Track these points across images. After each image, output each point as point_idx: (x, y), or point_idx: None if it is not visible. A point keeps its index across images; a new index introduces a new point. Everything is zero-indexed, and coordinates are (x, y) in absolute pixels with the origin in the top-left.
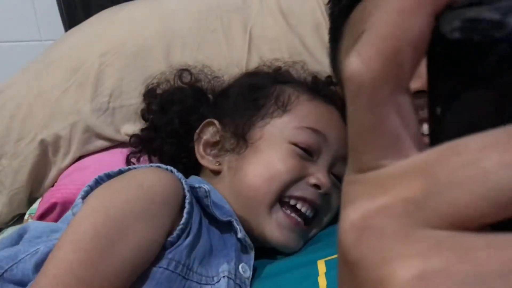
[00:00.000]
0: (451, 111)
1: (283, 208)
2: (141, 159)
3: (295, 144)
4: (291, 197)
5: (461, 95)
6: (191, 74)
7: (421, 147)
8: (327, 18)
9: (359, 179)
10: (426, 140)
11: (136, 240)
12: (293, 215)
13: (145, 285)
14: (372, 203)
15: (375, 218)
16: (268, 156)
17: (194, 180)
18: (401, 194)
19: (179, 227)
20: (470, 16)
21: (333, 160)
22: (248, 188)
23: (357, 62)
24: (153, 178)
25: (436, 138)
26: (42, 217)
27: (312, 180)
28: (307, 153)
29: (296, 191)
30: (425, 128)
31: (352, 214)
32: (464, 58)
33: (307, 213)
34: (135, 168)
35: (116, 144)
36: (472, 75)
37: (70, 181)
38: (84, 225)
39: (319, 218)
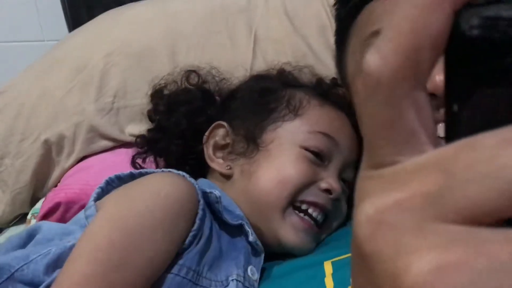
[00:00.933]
0: (468, 108)
1: (296, 212)
2: (147, 160)
3: (306, 149)
4: (303, 201)
5: (478, 92)
6: (198, 75)
7: (436, 144)
8: (332, 20)
9: (375, 175)
10: (441, 142)
11: (152, 251)
12: (306, 217)
13: None
14: (388, 197)
15: (391, 212)
16: (280, 160)
17: (204, 183)
18: (417, 188)
19: (192, 233)
20: (489, 14)
21: (343, 165)
22: (260, 192)
23: (376, 58)
24: (170, 186)
25: (453, 134)
26: (45, 217)
27: (324, 185)
28: (318, 157)
29: (308, 196)
30: (439, 129)
31: (368, 208)
32: (482, 55)
33: (318, 218)
34: (146, 172)
35: (120, 144)
36: (490, 72)
37: (74, 181)
38: (99, 236)
39: (329, 223)
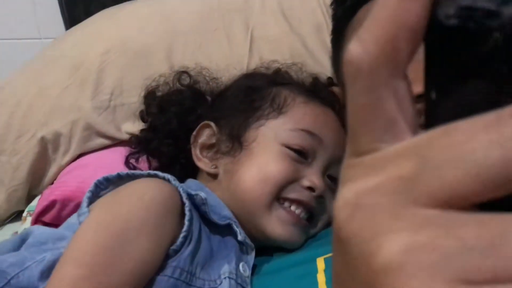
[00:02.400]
0: (445, 96)
1: (282, 206)
2: (140, 159)
3: (288, 146)
4: (286, 199)
5: (456, 81)
6: (189, 76)
7: (416, 132)
8: (328, 19)
9: (356, 162)
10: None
11: (139, 253)
12: (292, 210)
13: None
14: (366, 182)
15: (368, 196)
16: (261, 159)
17: (192, 184)
18: (393, 173)
19: (182, 234)
20: (466, 4)
21: (329, 162)
22: (243, 191)
23: (357, 46)
24: (153, 191)
25: (431, 122)
26: (41, 214)
27: (306, 183)
28: (301, 155)
29: (291, 193)
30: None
31: (346, 192)
32: (459, 45)
33: (301, 215)
34: (134, 174)
35: (117, 142)
36: (467, 62)
37: (70, 178)
38: (86, 241)
39: (315, 220)
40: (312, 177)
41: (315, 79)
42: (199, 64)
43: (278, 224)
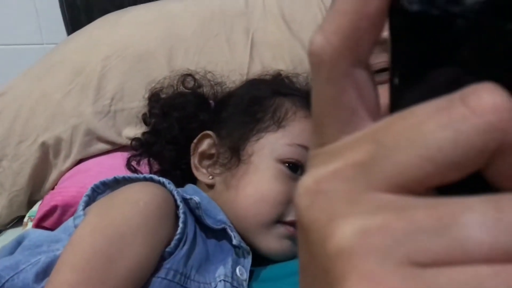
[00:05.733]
0: (408, 81)
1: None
2: (141, 162)
3: (283, 162)
4: (284, 223)
5: (418, 66)
6: (194, 79)
7: (378, 120)
8: None
9: (320, 152)
10: None
11: (135, 257)
12: (292, 228)
13: None
14: (325, 168)
15: (326, 182)
16: (257, 177)
17: (190, 189)
18: (350, 159)
19: (176, 237)
20: None
21: None
22: (237, 208)
23: (320, 38)
24: (148, 195)
25: (394, 108)
26: (42, 220)
27: None
28: (296, 171)
29: (288, 216)
30: None
31: (306, 180)
32: (422, 30)
33: None
34: (130, 177)
35: (117, 147)
36: (429, 47)
37: (71, 183)
38: (82, 245)
39: None
40: None
41: None
42: (202, 67)
43: (275, 240)
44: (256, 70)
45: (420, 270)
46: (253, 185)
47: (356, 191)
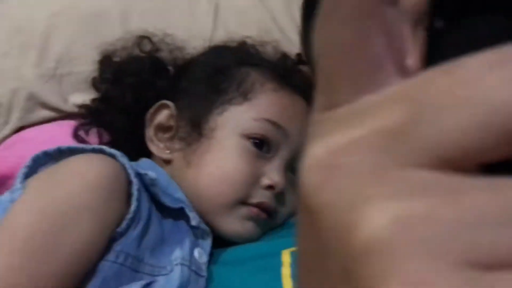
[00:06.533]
0: (455, 25)
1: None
2: (90, 132)
3: (248, 137)
4: (248, 204)
5: (470, 8)
6: (151, 42)
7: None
8: None
9: (330, 116)
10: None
11: (79, 239)
12: (256, 209)
13: (91, 282)
14: (343, 136)
15: (345, 153)
16: (220, 154)
17: (145, 164)
18: (378, 124)
19: (129, 216)
20: None
21: (292, 156)
22: (199, 186)
23: None
24: (95, 168)
25: (432, 59)
26: None
27: (265, 182)
28: (263, 148)
29: (252, 198)
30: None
31: (317, 150)
32: None
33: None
34: (76, 148)
35: (64, 115)
36: None
37: (10, 153)
38: (18, 224)
39: (273, 215)
40: (271, 174)
41: (287, 59)
42: (161, 30)
43: (236, 221)
44: (220, 37)
45: (482, 273)
46: (216, 162)
47: (388, 165)
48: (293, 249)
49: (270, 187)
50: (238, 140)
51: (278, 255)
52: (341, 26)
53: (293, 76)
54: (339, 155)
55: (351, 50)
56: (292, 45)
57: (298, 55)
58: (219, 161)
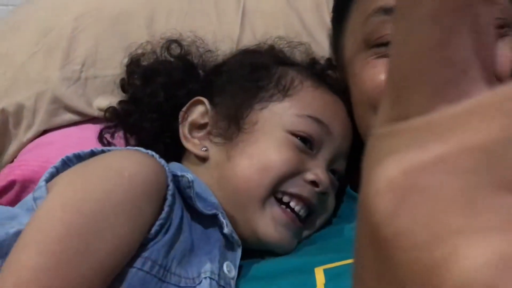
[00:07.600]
0: None
1: (278, 203)
2: (116, 135)
3: (293, 134)
4: (285, 193)
5: None
6: (181, 46)
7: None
8: None
9: (399, 129)
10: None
11: (114, 240)
12: (288, 210)
13: None
14: (422, 154)
15: (425, 174)
16: (262, 145)
17: (176, 167)
18: (466, 141)
19: (159, 222)
20: None
21: (334, 155)
22: (238, 179)
23: None
24: (135, 165)
25: None
26: None
27: (310, 176)
28: (307, 145)
29: (292, 187)
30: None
31: (391, 169)
32: None
33: (300, 212)
34: (110, 150)
35: (87, 119)
36: None
37: (33, 157)
38: (52, 221)
39: (313, 219)
40: (317, 170)
41: (316, 64)
42: (193, 33)
43: (270, 223)
44: (248, 40)
45: None
46: (259, 153)
47: (479, 190)
48: (326, 266)
49: (314, 183)
50: (284, 134)
51: (311, 272)
52: (423, 24)
53: (327, 76)
54: (417, 175)
55: (435, 52)
56: (321, 49)
57: (329, 59)
58: (262, 151)
